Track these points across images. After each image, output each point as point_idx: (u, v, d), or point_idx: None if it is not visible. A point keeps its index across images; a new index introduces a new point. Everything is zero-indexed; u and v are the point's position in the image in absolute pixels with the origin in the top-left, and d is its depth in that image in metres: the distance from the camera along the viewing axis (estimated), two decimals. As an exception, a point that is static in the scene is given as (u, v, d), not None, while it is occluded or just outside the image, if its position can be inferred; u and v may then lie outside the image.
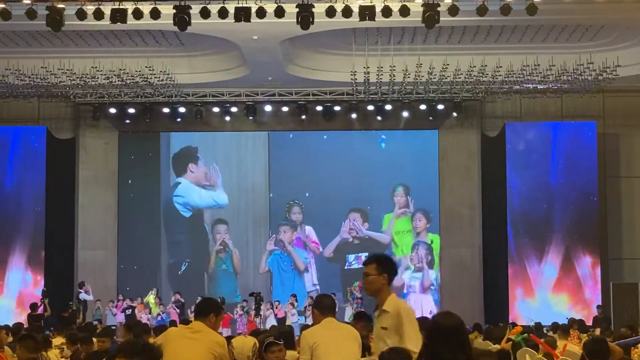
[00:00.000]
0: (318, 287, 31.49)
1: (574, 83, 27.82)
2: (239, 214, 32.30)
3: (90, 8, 20.75)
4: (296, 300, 29.43)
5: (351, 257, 32.14)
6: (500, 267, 30.15)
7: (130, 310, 29.39)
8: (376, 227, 32.17)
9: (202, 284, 31.82)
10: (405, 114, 31.04)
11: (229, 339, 11.96)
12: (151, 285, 30.98)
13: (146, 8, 20.85)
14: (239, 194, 32.30)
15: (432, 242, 31.92)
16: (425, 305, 30.94)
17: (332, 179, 31.70)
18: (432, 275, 31.84)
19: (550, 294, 29.48)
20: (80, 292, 29.18)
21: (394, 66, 26.78)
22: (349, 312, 28.63)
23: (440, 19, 20.74)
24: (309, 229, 32.27)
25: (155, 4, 20.85)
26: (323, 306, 9.09)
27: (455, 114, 31.01)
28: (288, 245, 32.20)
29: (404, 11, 20.50)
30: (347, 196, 31.81)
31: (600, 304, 28.65)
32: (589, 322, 27.10)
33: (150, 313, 29.71)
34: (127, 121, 31.48)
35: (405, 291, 31.35)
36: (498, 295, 30.24)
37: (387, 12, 20.47)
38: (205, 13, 20.74)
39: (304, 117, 31.17)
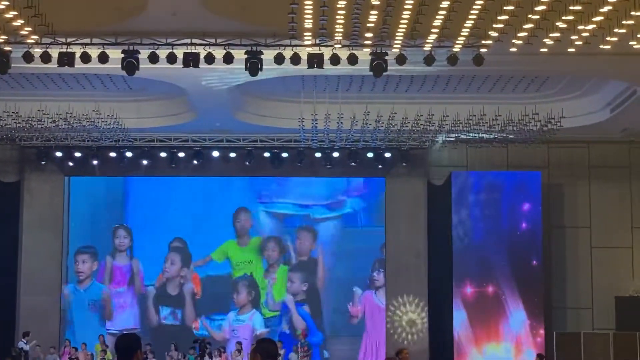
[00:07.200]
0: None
1: (519, 133, 28.09)
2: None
3: (37, 51, 20.62)
4: (242, 348, 29.15)
5: None
6: (445, 316, 30.19)
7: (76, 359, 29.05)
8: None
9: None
10: (352, 162, 31.06)
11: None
12: (96, 331, 30.60)
13: (94, 52, 20.77)
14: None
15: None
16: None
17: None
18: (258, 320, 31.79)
19: (494, 343, 29.54)
20: (21, 341, 28.71)
21: (342, 114, 26.85)
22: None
23: (388, 67, 20.90)
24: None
25: (104, 48, 20.79)
26: (270, 354, 8.26)
27: (402, 163, 31.16)
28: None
29: (352, 59, 20.62)
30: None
31: (542, 352, 28.57)
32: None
33: (93, 360, 29.36)
34: (72, 164, 31.22)
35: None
36: (444, 344, 30.25)
37: (335, 60, 20.54)
38: (153, 58, 20.68)
39: (247, 163, 31.14)
